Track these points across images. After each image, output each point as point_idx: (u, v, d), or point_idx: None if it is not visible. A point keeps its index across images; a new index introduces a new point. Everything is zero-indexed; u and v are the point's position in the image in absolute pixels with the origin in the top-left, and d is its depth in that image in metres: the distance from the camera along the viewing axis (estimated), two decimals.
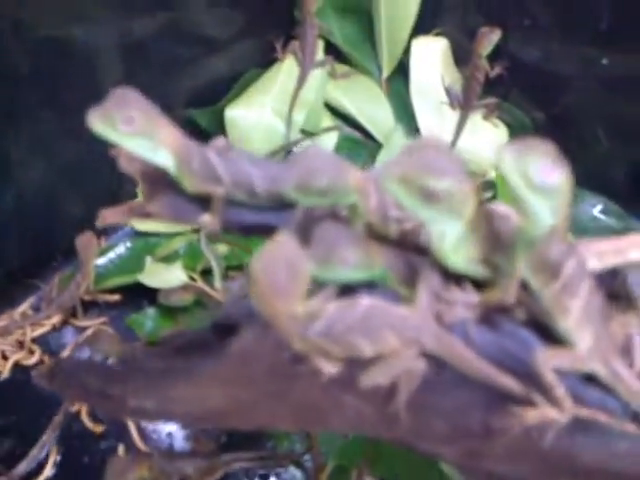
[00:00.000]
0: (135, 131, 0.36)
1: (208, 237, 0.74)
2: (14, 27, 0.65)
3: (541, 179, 0.28)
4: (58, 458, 0.69)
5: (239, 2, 0.84)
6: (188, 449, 0.71)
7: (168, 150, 0.38)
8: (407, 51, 0.87)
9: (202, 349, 0.38)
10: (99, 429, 0.71)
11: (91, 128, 0.36)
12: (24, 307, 0.77)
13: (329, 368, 0.34)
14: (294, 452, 0.69)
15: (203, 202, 0.40)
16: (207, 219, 0.40)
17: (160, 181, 0.40)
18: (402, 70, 0.88)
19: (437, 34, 0.87)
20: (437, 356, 0.34)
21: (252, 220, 0.40)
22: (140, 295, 0.77)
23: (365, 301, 0.34)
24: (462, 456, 0.38)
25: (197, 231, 0.79)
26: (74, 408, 0.70)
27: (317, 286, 0.35)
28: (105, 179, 0.77)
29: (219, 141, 0.41)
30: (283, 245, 0.32)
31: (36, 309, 0.77)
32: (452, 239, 0.33)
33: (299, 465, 0.69)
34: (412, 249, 0.36)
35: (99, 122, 0.36)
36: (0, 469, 0.66)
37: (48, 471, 0.68)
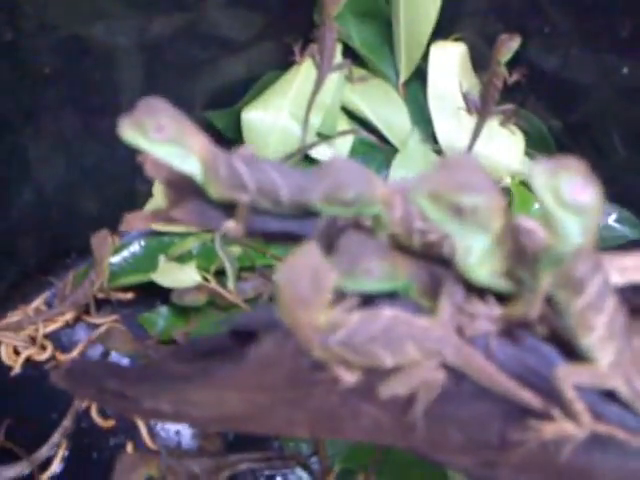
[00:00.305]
0: (165, 138, 0.36)
1: (222, 238, 0.74)
2: (37, 26, 0.65)
3: (572, 197, 0.28)
4: (66, 453, 0.70)
5: (258, 4, 0.84)
6: (196, 447, 0.71)
7: (196, 157, 0.38)
8: (425, 56, 0.86)
9: (221, 354, 0.38)
10: (108, 425, 0.71)
11: (122, 136, 0.36)
12: (37, 303, 0.77)
13: (348, 377, 0.34)
14: (301, 454, 0.69)
15: (228, 209, 0.41)
16: (231, 226, 0.40)
17: (185, 187, 0.40)
18: (420, 75, 0.88)
19: (456, 39, 0.87)
20: (457, 368, 0.34)
21: (275, 228, 0.41)
22: (153, 294, 0.78)
23: (387, 312, 0.34)
24: (476, 465, 0.38)
25: (211, 232, 0.79)
26: (84, 404, 0.71)
27: (340, 295, 0.35)
28: (121, 178, 0.78)
29: (246, 149, 0.42)
30: (307, 255, 0.32)
31: (49, 305, 0.78)
32: (478, 253, 0.33)
33: (306, 467, 0.69)
34: (436, 261, 0.36)
35: (130, 130, 0.36)
36: (21, 453, 0.67)
37: (56, 466, 0.69)
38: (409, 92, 0.90)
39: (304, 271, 0.32)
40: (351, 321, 0.33)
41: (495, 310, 0.34)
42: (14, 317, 0.75)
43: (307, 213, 0.39)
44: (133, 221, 0.41)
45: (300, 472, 0.70)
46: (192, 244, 0.79)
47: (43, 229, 0.78)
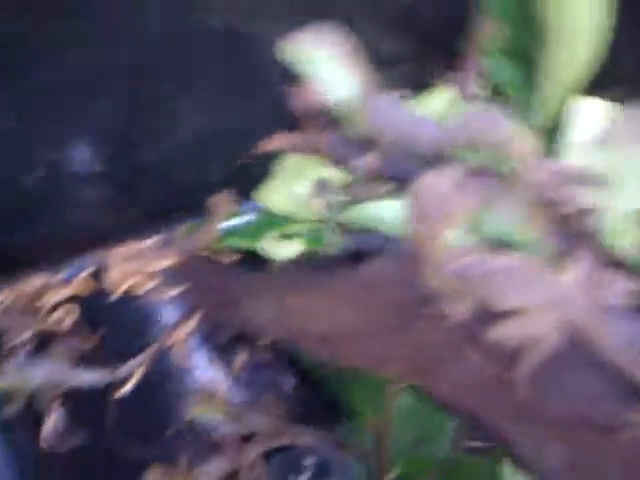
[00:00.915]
0: (333, 54, 0.39)
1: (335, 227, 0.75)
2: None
3: None
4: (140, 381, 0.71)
5: (410, 26, 0.88)
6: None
7: (352, 85, 0.40)
8: (569, 108, 0.86)
9: (328, 269, 0.39)
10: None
11: (288, 53, 0.39)
12: (151, 242, 0.82)
13: (458, 312, 0.34)
14: (362, 448, 0.66)
15: (365, 148, 0.42)
16: (365, 162, 0.42)
17: (328, 120, 0.43)
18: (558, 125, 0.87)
19: (606, 98, 0.86)
20: (577, 331, 0.32)
21: (407, 173, 0.42)
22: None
23: (513, 256, 0.33)
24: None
25: (323, 222, 0.81)
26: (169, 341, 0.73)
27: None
28: (242, 148, 0.82)
29: (393, 94, 0.44)
30: (449, 175, 0.33)
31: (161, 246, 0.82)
32: (623, 219, 0.32)
33: (365, 461, 0.66)
34: (574, 229, 0.35)
35: (300, 45, 0.39)
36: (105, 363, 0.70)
37: (128, 387, 0.70)
38: (544, 141, 0.90)
39: (442, 186, 0.32)
40: (472, 255, 0.33)
41: (630, 283, 0.33)
42: (129, 250, 0.80)
43: (445, 162, 0.40)
44: (274, 142, 0.44)
45: (358, 466, 0.67)
46: (304, 227, 0.81)
47: (169, 184, 0.83)
